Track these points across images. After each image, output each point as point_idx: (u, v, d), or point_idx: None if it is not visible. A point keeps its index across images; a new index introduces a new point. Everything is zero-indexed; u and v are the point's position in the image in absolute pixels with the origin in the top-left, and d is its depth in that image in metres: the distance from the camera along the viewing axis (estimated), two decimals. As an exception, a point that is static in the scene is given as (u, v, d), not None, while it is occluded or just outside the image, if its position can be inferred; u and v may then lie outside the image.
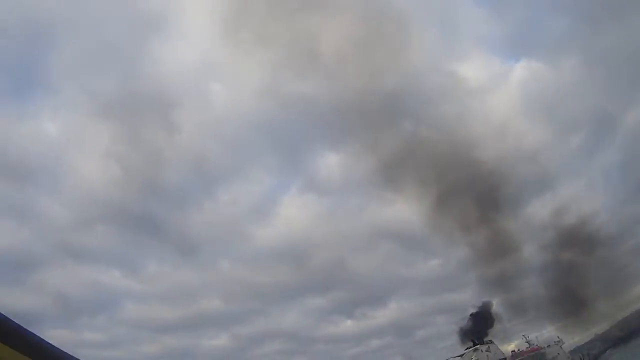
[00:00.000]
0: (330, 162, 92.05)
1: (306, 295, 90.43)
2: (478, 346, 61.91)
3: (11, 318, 4.20)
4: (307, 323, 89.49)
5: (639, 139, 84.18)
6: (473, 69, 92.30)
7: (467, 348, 63.24)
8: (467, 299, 75.61)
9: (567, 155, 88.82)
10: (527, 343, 61.60)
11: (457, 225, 75.62)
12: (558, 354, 59.89)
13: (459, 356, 63.03)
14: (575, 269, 69.77)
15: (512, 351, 62.01)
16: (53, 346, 4.64)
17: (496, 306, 68.06)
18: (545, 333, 66.24)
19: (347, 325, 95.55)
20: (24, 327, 4.36)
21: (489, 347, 61.78)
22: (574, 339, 68.62)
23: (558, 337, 63.10)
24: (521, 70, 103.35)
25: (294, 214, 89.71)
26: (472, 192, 75.62)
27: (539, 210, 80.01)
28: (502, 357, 60.87)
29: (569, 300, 67.76)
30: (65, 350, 4.79)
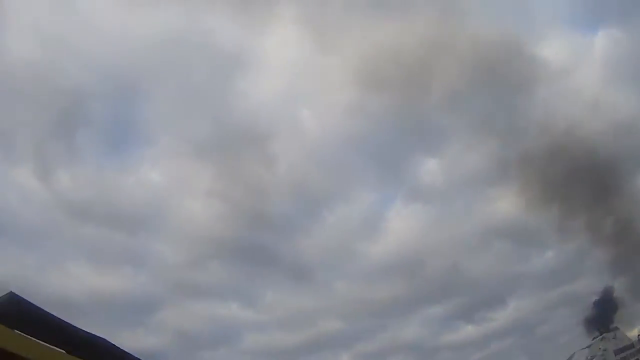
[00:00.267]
0: (431, 168, 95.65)
1: (424, 305, 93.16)
2: (604, 335, 65.11)
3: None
4: (428, 333, 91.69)
5: None
6: (553, 50, 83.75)
7: (593, 338, 66.76)
8: (587, 288, 74.50)
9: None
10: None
11: (568, 212, 75.09)
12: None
13: (586, 347, 67.21)
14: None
15: (638, 336, 62.96)
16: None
17: (618, 291, 68.27)
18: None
19: (468, 330, 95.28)
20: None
21: (614, 334, 64.66)
22: None
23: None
24: (602, 40, 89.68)
25: (402, 226, 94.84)
26: (579, 175, 74.12)
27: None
28: (629, 343, 62.86)
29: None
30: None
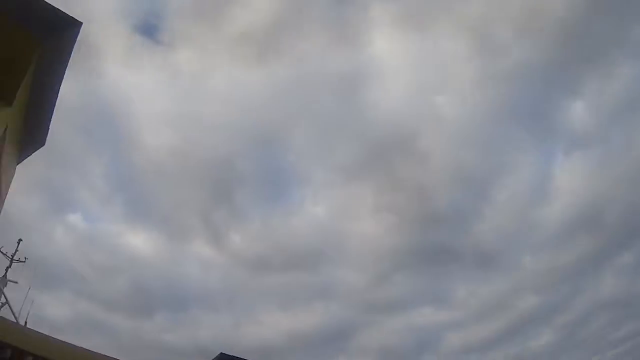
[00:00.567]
0: (578, 111, 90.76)
1: (612, 257, 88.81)
2: None
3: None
4: (624, 283, 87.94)
5: None
6: None
7: None
8: None
9: None
10: None
11: None
12: None
13: None
14: None
15: None
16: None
17: None
18: None
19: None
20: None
21: None
22: None
23: None
24: None
25: (570, 179, 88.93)
26: None
27: None
28: None
29: None
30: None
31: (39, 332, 8.38)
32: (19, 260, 19.35)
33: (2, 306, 16.55)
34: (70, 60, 11.62)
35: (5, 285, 17.71)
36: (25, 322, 16.06)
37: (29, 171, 17.00)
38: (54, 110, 13.39)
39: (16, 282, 18.30)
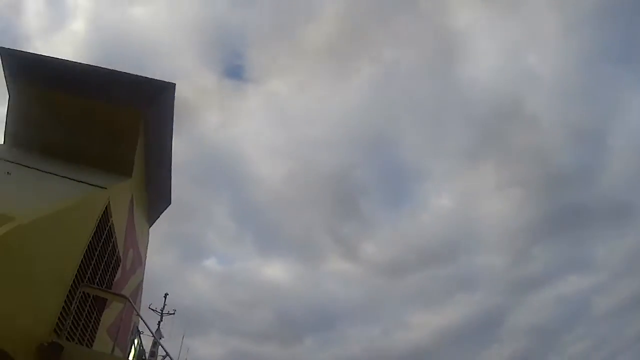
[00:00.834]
0: None
1: None
2: None
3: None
4: None
5: None
6: None
7: None
8: None
9: None
10: None
11: None
12: None
13: None
14: None
15: None
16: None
17: None
18: None
19: None
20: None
21: None
22: None
23: None
24: None
25: None
26: None
27: None
28: None
29: None
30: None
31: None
32: (169, 313, 20.94)
33: (163, 359, 17.62)
34: (173, 120, 11.75)
35: (161, 338, 18.96)
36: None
37: (160, 230, 17.95)
38: (172, 169, 13.86)
39: (163, 338, 19.50)
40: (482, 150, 79.52)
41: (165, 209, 15.59)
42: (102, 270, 9.57)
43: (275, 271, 77.08)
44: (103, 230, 9.36)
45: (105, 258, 9.74)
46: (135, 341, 12.82)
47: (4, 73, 10.30)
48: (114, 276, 10.67)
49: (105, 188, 9.20)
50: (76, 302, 8.10)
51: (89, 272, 8.73)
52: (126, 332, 11.58)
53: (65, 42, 59.78)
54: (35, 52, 11.45)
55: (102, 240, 9.32)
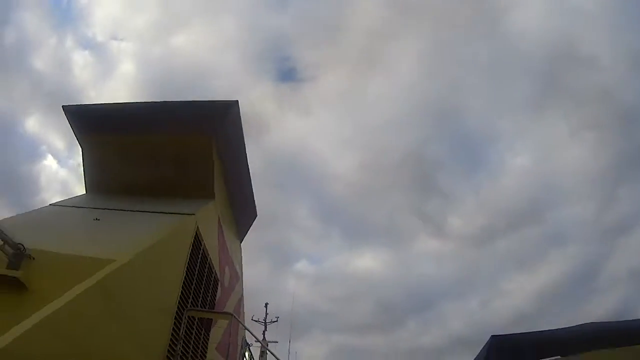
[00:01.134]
0: None
1: None
2: None
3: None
4: None
5: None
6: None
7: None
8: None
9: None
10: None
11: None
12: None
13: None
14: None
15: None
16: None
17: None
18: None
19: None
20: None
21: None
22: None
23: None
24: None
25: None
26: None
27: None
28: None
29: None
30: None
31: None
32: (271, 322, 21.54)
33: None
34: (243, 135, 11.83)
35: (267, 346, 19.52)
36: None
37: (251, 242, 18.42)
38: (252, 182, 14.07)
39: (276, 342, 20.11)
40: (546, 101, 72.74)
41: (252, 222, 15.89)
42: (202, 292, 9.87)
43: (367, 261, 77.02)
44: (197, 254, 9.64)
45: (204, 280, 10.04)
46: (246, 354, 13.19)
47: (73, 129, 10.93)
48: (215, 296, 11.00)
49: (192, 214, 9.45)
50: (183, 327, 8.39)
51: (190, 297, 9.02)
52: (235, 347, 11.93)
53: (119, 87, 64.17)
54: (95, 103, 12.09)
55: (198, 264, 9.60)
